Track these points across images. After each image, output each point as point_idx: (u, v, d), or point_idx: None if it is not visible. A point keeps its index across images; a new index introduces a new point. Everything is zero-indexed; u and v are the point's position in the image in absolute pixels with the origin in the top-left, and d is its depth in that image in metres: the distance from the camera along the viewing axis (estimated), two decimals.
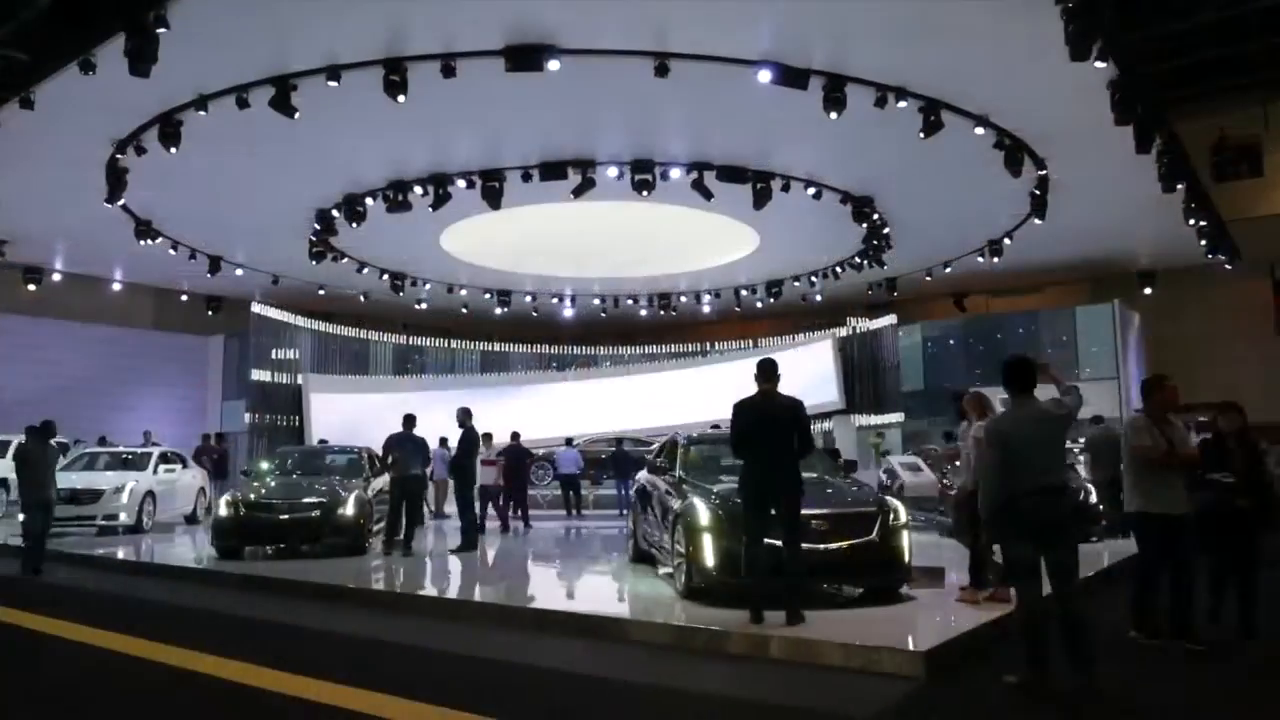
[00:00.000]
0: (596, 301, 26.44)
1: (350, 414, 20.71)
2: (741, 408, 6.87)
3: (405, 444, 11.08)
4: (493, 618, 7.68)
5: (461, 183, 15.28)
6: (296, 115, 11.64)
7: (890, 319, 22.65)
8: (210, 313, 25.57)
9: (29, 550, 10.18)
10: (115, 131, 13.39)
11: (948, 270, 22.18)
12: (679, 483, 8.21)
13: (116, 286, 23.68)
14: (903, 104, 12.23)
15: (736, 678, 5.90)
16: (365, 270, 21.92)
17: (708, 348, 27.46)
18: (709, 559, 7.08)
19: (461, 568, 10.66)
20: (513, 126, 14.05)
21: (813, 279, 23.38)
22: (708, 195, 15.04)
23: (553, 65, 10.92)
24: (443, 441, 16.73)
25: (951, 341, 23.79)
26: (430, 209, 15.69)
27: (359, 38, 10.97)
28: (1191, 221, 17.65)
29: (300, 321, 22.91)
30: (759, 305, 26.68)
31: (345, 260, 20.92)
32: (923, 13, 10.50)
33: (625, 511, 18.42)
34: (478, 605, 8.27)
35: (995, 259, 20.20)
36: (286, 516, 10.44)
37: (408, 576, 9.84)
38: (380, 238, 19.30)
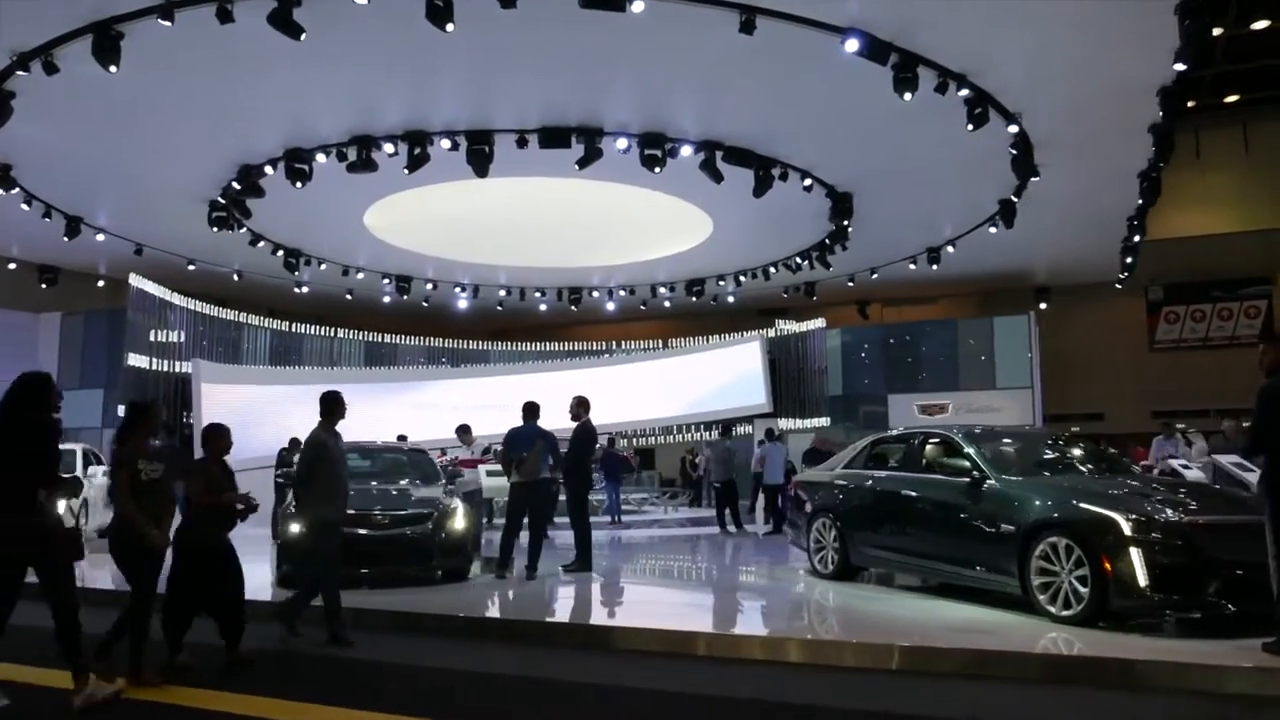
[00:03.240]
0: (503, 293, 24.57)
1: (244, 407, 17.82)
2: None
3: (533, 440, 8.87)
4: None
5: (445, 143, 13.32)
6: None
7: (819, 322, 22.46)
8: (44, 285, 21.49)
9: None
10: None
11: (874, 276, 22.29)
12: (981, 481, 7.01)
13: None
14: (964, 92, 11.74)
15: None
16: (261, 244, 19.06)
17: (612, 347, 26.26)
18: (1140, 576, 5.90)
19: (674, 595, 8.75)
20: (509, 82, 12.38)
21: (740, 278, 22.82)
22: (718, 177, 13.99)
23: (637, 6, 9.51)
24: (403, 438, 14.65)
25: (866, 347, 23.95)
26: (405, 170, 13.58)
27: None
28: (1127, 238, 18.53)
29: (178, 299, 19.55)
30: (666, 305, 25.85)
31: (242, 232, 18.05)
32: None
33: (616, 517, 17.27)
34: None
35: (933, 266, 20.43)
36: (389, 532, 8.08)
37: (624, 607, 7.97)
38: (290, 208, 16.72)
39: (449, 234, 20.60)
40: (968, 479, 7.09)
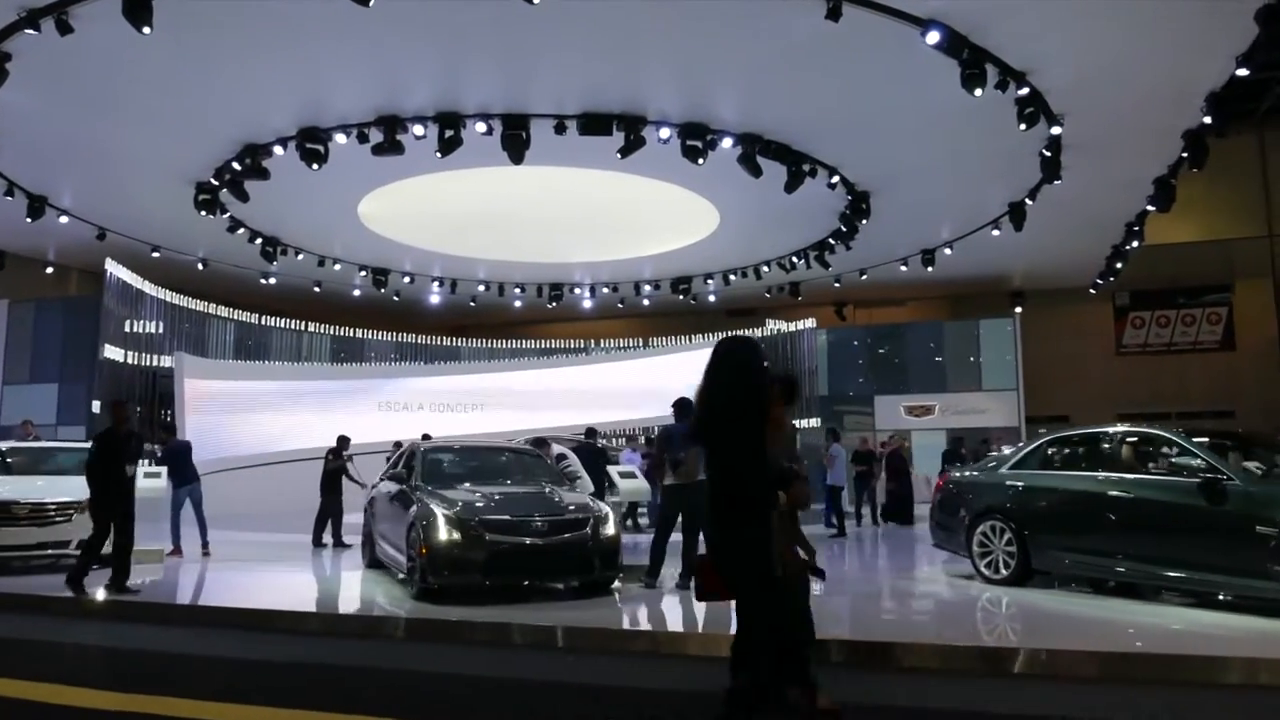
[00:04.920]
0: (481, 288, 23.72)
1: (229, 403, 16.69)
2: None
3: (690, 439, 8.10)
4: None
5: (480, 126, 12.60)
6: None
7: (810, 322, 22.34)
8: None
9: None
10: None
11: (864, 277, 22.29)
12: (1218, 482, 6.72)
13: None
14: (1023, 91, 11.65)
15: None
16: (239, 231, 17.91)
17: (589, 346, 25.69)
18: None
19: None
20: (549, 63, 11.78)
21: (730, 276, 22.54)
22: (757, 171, 13.62)
23: None
24: (425, 438, 13.82)
25: (855, 345, 23.98)
26: (438, 154, 12.80)
27: None
28: (1121, 244, 18.89)
29: (150, 288, 18.21)
30: (646, 304, 25.41)
31: (224, 217, 16.90)
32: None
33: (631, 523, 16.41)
34: None
35: (929, 268, 20.52)
36: (551, 540, 7.30)
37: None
38: (270, 194, 15.65)
39: (431, 225, 19.79)
40: (1199, 479, 6.81)
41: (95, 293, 18.49)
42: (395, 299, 24.44)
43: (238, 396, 18.36)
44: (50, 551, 9.00)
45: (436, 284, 23.41)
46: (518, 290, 23.99)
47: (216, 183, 14.95)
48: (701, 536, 5.27)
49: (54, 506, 8.90)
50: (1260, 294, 24.90)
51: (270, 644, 6.64)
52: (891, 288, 24.73)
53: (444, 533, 7.18)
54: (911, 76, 12.03)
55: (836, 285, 22.88)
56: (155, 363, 17.77)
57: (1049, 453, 8.17)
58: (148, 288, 18.10)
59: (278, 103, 12.82)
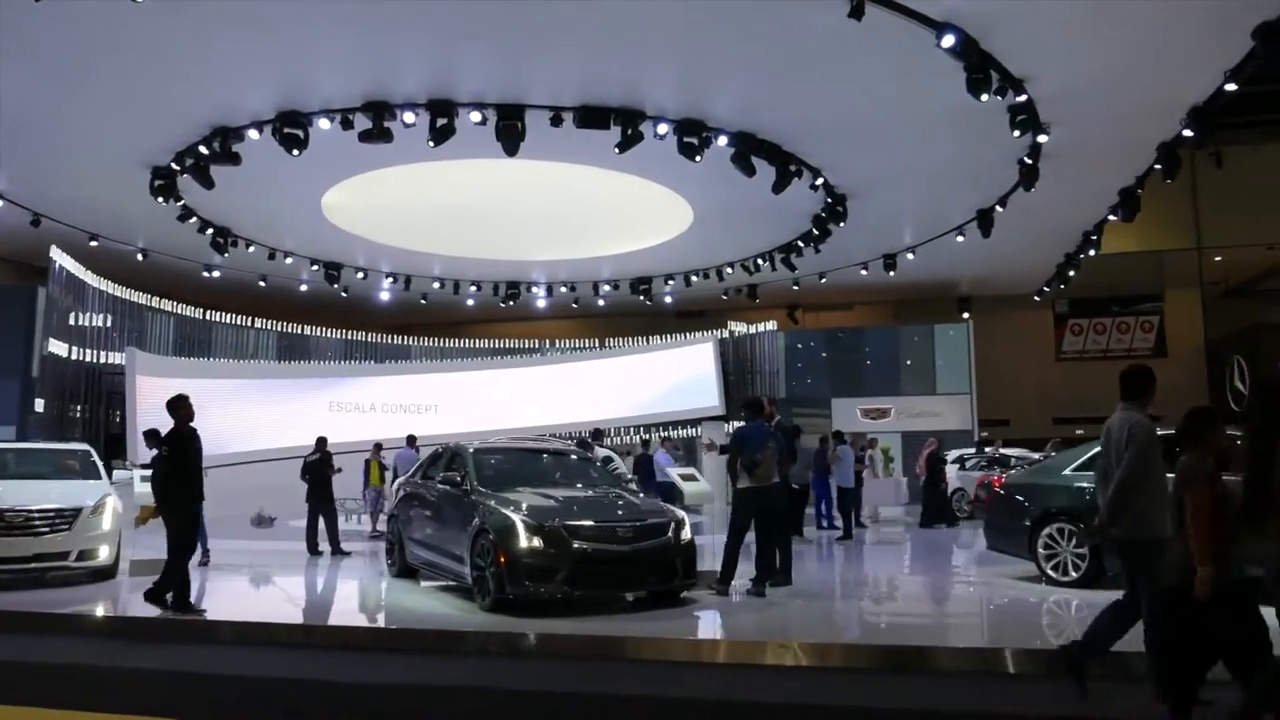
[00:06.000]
0: (436, 285, 23.07)
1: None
2: None
3: (766, 439, 7.80)
4: None
5: (475, 115, 12.18)
6: None
7: (771, 325, 22.43)
8: None
9: None
10: None
11: (823, 280, 22.47)
12: None
13: None
14: (1020, 98, 11.85)
15: None
16: (192, 220, 16.96)
17: (544, 346, 25.29)
18: None
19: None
20: (546, 52, 11.45)
21: (692, 278, 22.44)
22: (750, 171, 13.53)
23: None
24: (410, 440, 13.31)
25: (813, 346, 24.17)
26: (430, 144, 12.30)
27: None
28: (1075, 252, 19.50)
29: (92, 279, 17.08)
30: (601, 304, 25.13)
31: (179, 205, 15.97)
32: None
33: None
34: None
35: (890, 272, 20.80)
36: (637, 546, 6.92)
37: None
38: (226, 183, 14.81)
39: (390, 219, 19.16)
40: None
41: (24, 283, 17.28)
42: (343, 295, 23.58)
43: (203, 394, 17.38)
44: (47, 564, 8.19)
45: (390, 280, 22.68)
46: (473, 288, 23.42)
47: (178, 167, 14.09)
48: None
49: (53, 513, 8.11)
50: (1189, 303, 26.13)
51: (339, 664, 6.14)
52: (840, 292, 25.03)
53: (525, 540, 6.76)
54: (908, 80, 12.13)
55: (795, 288, 23.01)
56: (101, 359, 16.65)
57: None
58: (91, 279, 16.96)
59: (256, 83, 12.13)
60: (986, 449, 18.83)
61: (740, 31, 10.97)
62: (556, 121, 12.37)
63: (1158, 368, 23.56)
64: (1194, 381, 25.71)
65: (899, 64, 11.52)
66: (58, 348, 15.41)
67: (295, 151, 12.48)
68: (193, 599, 7.28)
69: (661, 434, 18.83)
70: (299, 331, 22.71)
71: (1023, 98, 11.85)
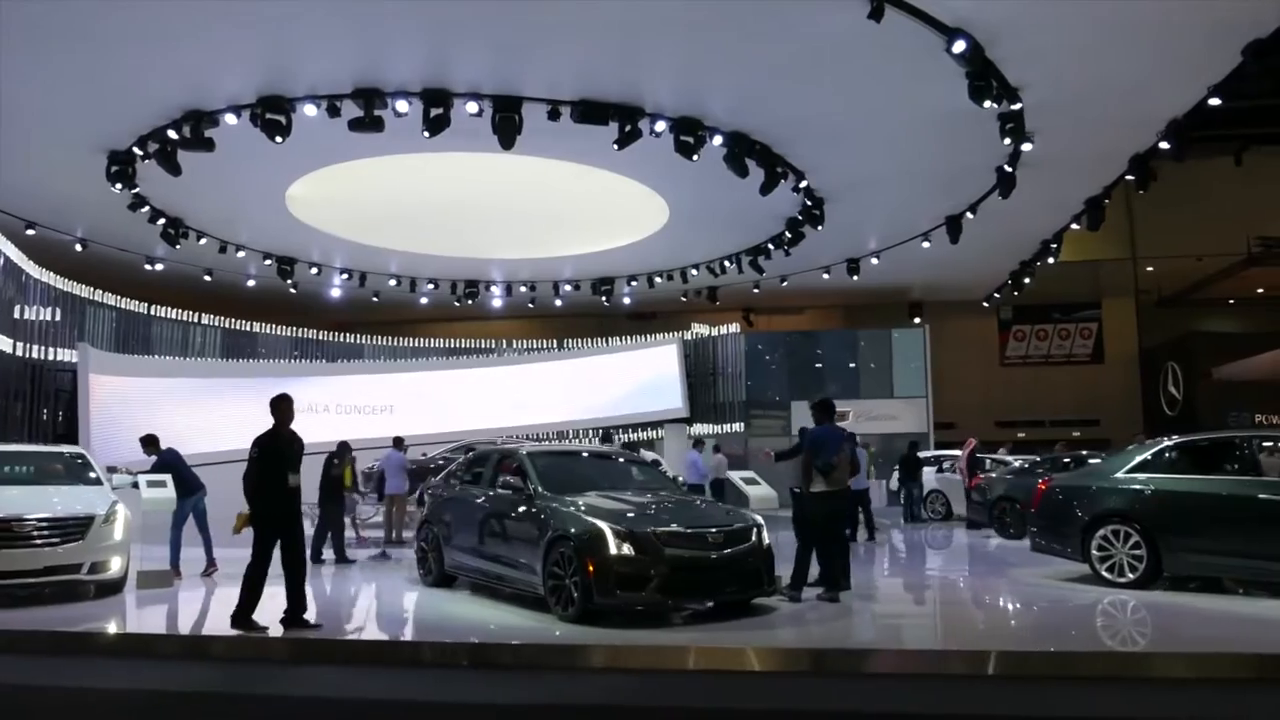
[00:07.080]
0: (392, 282, 22.42)
1: (142, 401, 14.90)
2: None
3: (840, 443, 7.61)
4: None
5: (471, 106, 11.81)
6: None
7: (734, 327, 22.44)
8: None
9: None
10: None
11: (784, 284, 22.59)
12: None
13: None
14: (1015, 106, 12.07)
15: None
16: (145, 209, 16.07)
17: (500, 345, 24.83)
18: None
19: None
20: (546, 44, 11.18)
21: (656, 279, 22.30)
22: (743, 172, 13.47)
23: None
24: (397, 442, 12.80)
25: (773, 349, 24.30)
26: (425, 134, 11.86)
27: None
28: (1031, 260, 20.03)
29: (33, 269, 16.00)
30: (558, 304, 24.79)
31: (132, 193, 15.09)
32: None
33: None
34: None
35: (854, 277, 21.04)
36: (726, 553, 6.71)
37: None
38: (198, 172, 14.09)
39: (348, 213, 18.50)
40: None
41: None
42: (293, 291, 22.69)
43: (129, 394, 16.45)
44: (59, 579, 7.49)
45: (344, 276, 21.93)
46: (430, 286, 22.82)
47: (140, 152, 13.31)
48: None
49: (66, 523, 7.43)
50: (1124, 311, 27.17)
51: (425, 681, 5.78)
52: (791, 296, 25.24)
53: (615, 547, 6.47)
54: (902, 85, 12.23)
55: (756, 291, 23.09)
56: (45, 355, 15.62)
57: (1168, 456, 8.35)
58: (33, 269, 15.92)
59: (236, 63, 11.50)
60: (999, 451, 18.56)
61: (740, 31, 10.90)
62: (554, 115, 12.09)
63: (1097, 373, 24.56)
64: (1127, 387, 26.76)
65: (897, 68, 11.61)
66: (2, 343, 14.40)
67: (278, 139, 11.91)
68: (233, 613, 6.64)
69: (690, 434, 18.53)
70: (245, 328, 21.77)
71: (1016, 106, 12.06)
